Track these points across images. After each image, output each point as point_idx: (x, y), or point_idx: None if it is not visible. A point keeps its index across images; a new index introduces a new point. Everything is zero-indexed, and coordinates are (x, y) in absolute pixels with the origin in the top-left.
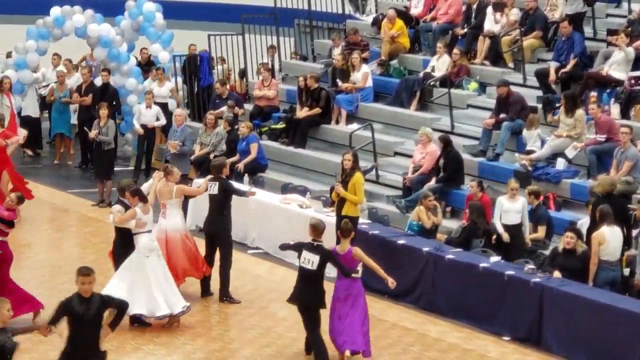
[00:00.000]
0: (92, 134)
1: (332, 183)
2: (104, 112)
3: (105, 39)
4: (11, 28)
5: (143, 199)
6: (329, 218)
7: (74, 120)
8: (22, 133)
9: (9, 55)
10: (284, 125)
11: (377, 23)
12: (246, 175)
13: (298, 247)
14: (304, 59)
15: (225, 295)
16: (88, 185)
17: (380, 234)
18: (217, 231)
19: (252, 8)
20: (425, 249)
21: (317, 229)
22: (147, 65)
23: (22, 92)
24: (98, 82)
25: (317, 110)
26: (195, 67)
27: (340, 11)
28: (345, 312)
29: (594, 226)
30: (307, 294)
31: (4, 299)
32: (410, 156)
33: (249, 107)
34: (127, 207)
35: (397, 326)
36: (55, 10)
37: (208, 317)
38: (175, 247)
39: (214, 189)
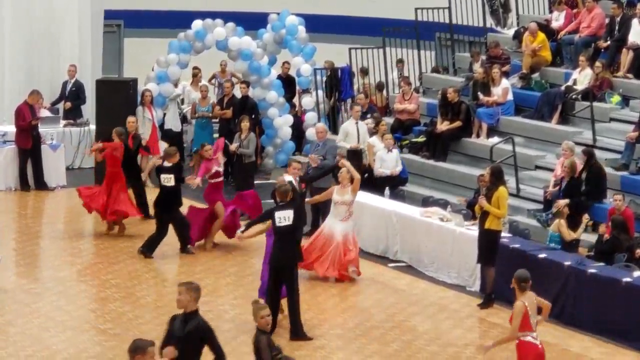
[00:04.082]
0: (233, 146)
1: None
2: (245, 124)
3: (247, 51)
4: (153, 42)
5: None
6: (471, 232)
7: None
8: (163, 146)
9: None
10: (425, 139)
11: (518, 36)
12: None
13: (267, 215)
14: (437, 71)
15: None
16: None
17: (521, 247)
18: None
19: (393, 22)
20: (567, 263)
21: (280, 192)
22: (288, 80)
23: (163, 105)
24: (237, 95)
25: (457, 123)
26: (336, 81)
27: (481, 24)
28: None
29: None
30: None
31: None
32: (551, 170)
33: (389, 120)
34: None
35: None
36: (197, 24)
37: (348, 332)
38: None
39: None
